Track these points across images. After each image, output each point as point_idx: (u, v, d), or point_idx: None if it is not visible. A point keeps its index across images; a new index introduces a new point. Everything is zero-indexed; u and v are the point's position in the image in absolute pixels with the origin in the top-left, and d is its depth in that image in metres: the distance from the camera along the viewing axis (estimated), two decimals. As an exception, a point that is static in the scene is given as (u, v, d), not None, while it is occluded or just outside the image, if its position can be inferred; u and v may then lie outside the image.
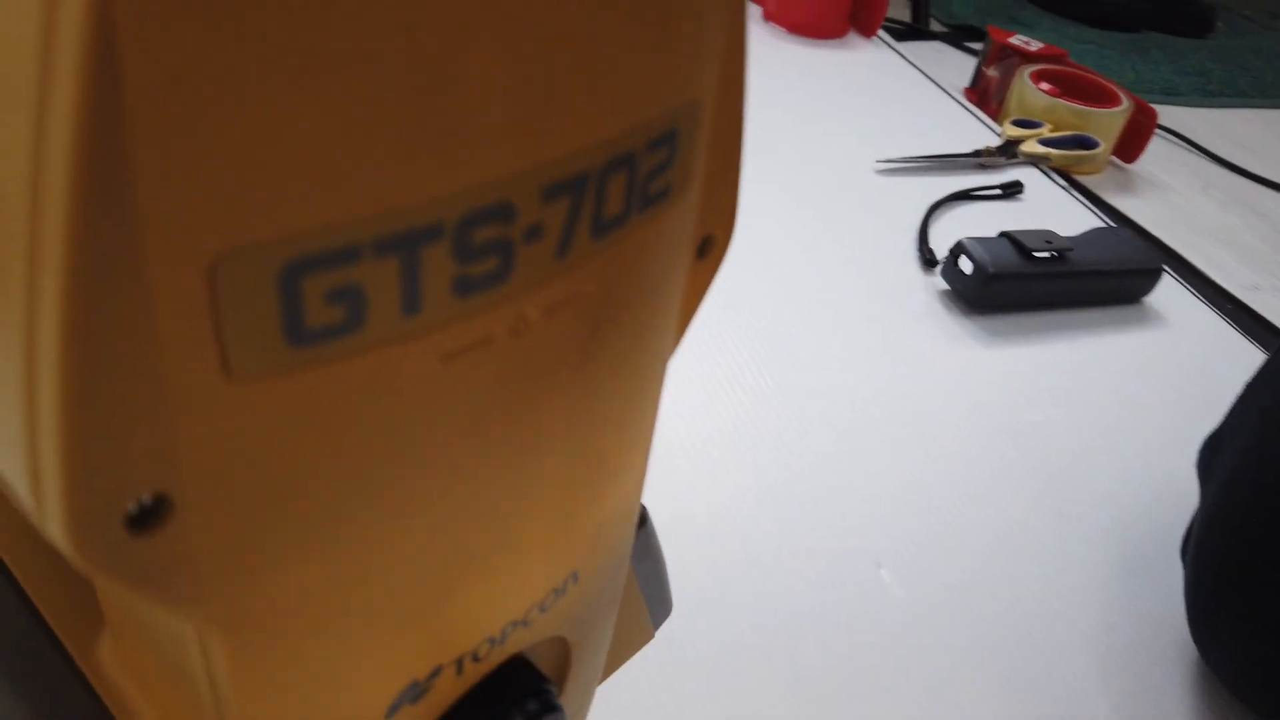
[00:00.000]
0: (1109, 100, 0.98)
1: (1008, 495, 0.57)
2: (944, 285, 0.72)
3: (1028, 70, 1.01)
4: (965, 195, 0.84)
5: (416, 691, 0.21)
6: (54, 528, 0.13)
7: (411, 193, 0.14)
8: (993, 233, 0.72)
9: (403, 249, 0.14)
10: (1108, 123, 0.96)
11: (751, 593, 0.49)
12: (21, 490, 0.14)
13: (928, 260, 0.74)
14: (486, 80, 0.14)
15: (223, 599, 0.16)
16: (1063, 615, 0.51)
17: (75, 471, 0.13)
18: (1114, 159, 1.02)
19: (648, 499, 0.52)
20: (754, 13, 1.14)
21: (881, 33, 1.17)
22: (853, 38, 1.15)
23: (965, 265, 0.69)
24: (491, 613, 0.22)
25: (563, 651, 0.27)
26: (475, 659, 0.22)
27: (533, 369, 0.18)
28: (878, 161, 0.88)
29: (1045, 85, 0.99)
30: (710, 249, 0.23)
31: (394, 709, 0.21)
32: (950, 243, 0.71)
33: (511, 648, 0.24)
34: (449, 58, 0.13)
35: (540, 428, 0.19)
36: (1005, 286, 0.69)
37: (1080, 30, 1.40)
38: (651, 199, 0.18)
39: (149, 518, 0.14)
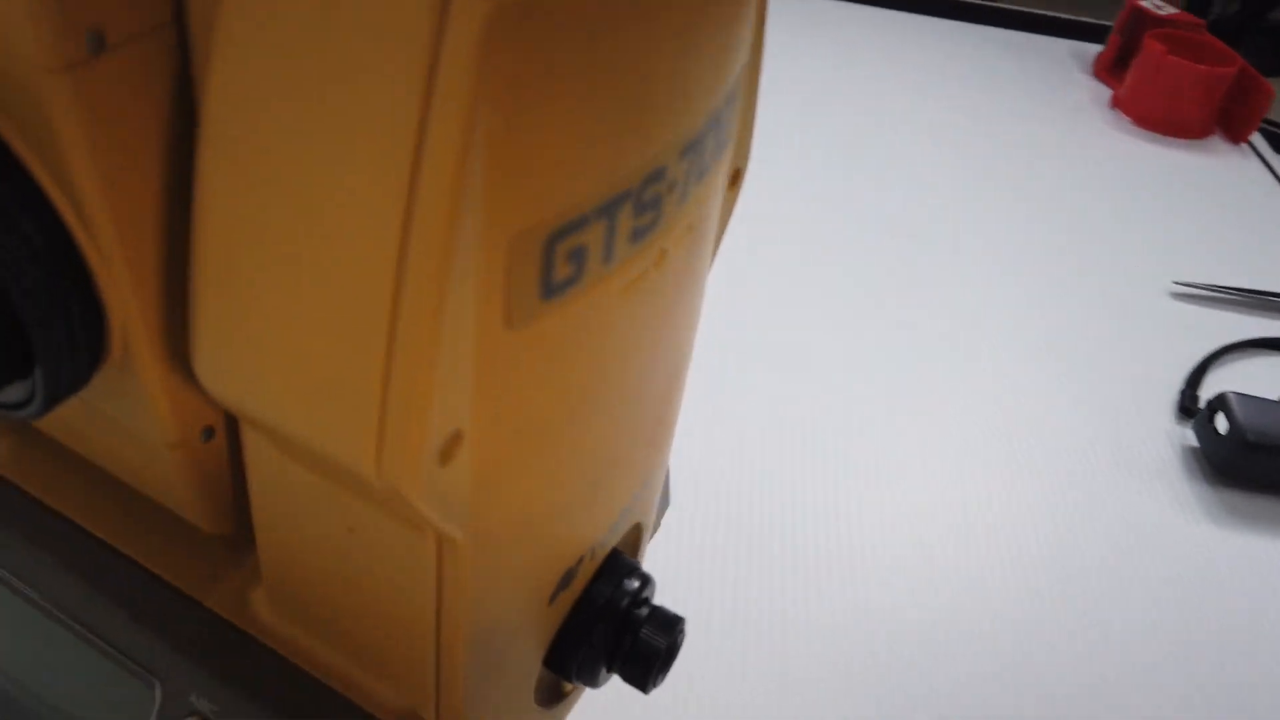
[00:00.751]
0: None
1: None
2: (1195, 442, 0.59)
3: None
4: (1275, 344, 0.68)
5: (569, 578, 0.25)
6: (395, 473, 0.17)
7: (621, 171, 0.18)
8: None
9: (609, 213, 0.18)
10: None
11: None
12: (357, 455, 0.17)
13: (1185, 408, 0.61)
14: (668, 86, 0.18)
15: (473, 511, 0.20)
16: None
17: (421, 425, 0.16)
18: None
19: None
20: (1099, 97, 0.98)
21: (1259, 139, 0.95)
22: (1215, 142, 0.93)
23: (1221, 424, 0.56)
24: (616, 505, 0.26)
25: (635, 537, 0.31)
26: (602, 545, 0.27)
27: (664, 290, 0.22)
28: (1175, 283, 0.72)
29: None
30: (736, 179, 0.27)
31: (554, 595, 0.25)
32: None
33: (617, 537, 0.28)
34: (652, 81, 0.17)
35: (661, 338, 0.23)
36: (1269, 461, 0.55)
37: None
38: (720, 145, 0.23)
39: (450, 450, 0.18)
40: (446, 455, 0.18)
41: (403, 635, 0.24)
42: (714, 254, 0.28)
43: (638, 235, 0.19)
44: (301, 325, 0.17)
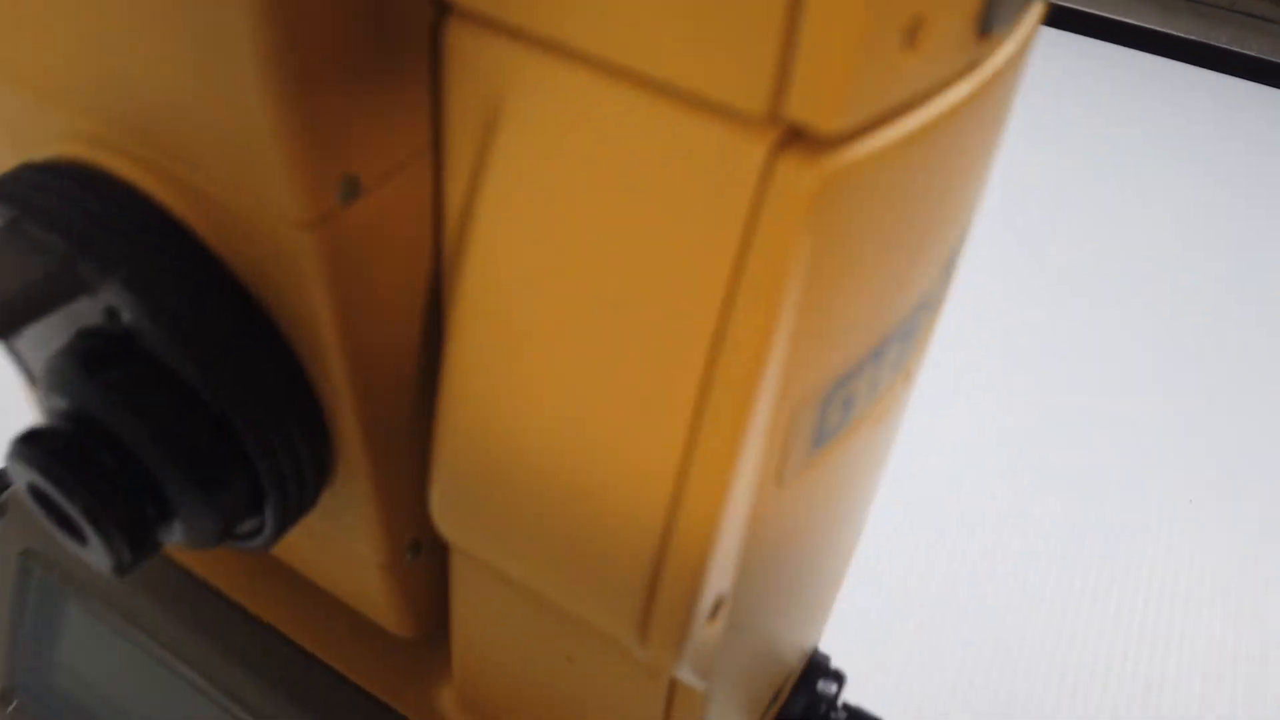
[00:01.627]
0: None
1: None
2: None
3: None
4: None
5: (777, 695, 0.24)
6: (660, 647, 0.16)
7: (903, 312, 0.16)
8: None
9: (881, 352, 0.16)
10: None
11: None
12: (619, 626, 0.16)
13: None
14: (948, 225, 0.16)
15: (718, 658, 0.18)
16: None
17: (696, 604, 0.15)
18: None
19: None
20: None
21: None
22: None
23: None
24: (824, 618, 0.25)
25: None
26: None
27: (883, 427, 0.20)
28: None
29: None
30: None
31: (764, 714, 0.24)
32: None
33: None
34: (938, 227, 0.15)
35: (868, 472, 0.22)
36: None
37: None
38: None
39: (712, 617, 0.16)
40: (709, 622, 0.16)
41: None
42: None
43: (898, 363, 0.18)
44: (559, 494, 0.15)
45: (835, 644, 0.26)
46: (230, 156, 0.15)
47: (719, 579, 0.16)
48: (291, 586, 0.27)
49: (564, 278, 0.14)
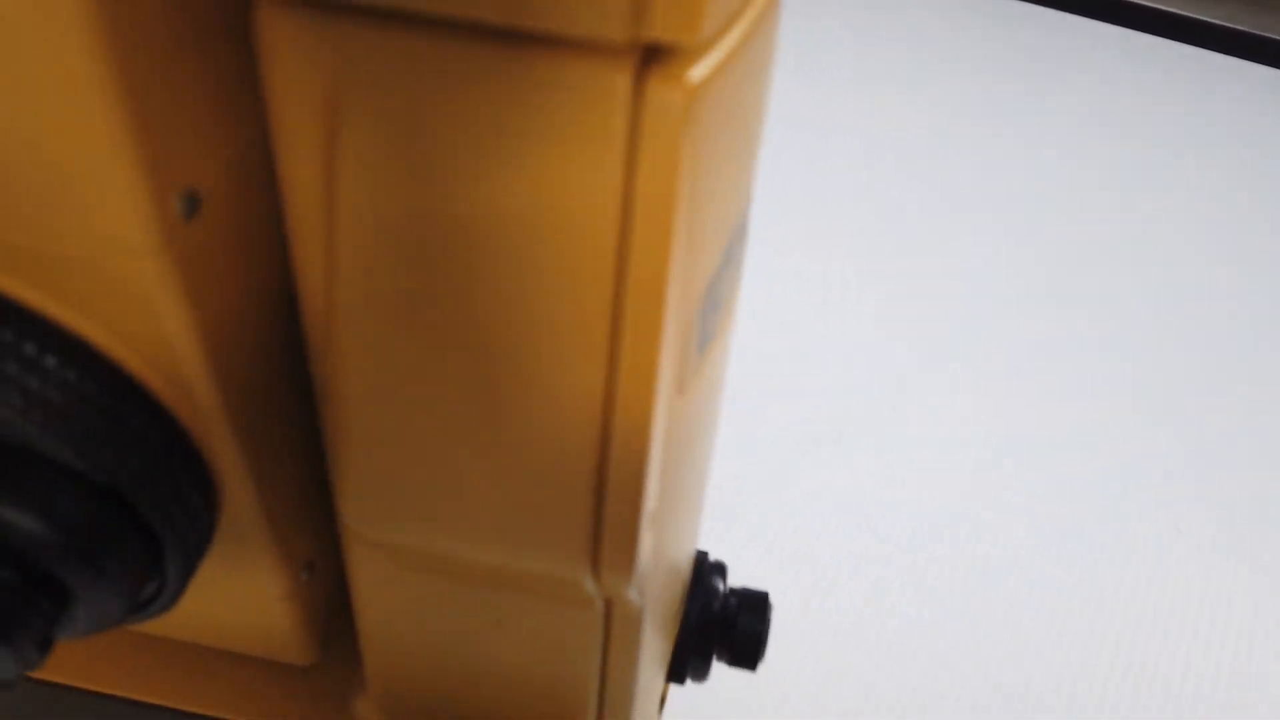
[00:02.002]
0: None
1: None
2: None
3: None
4: None
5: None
6: (613, 579, 0.17)
7: (740, 216, 0.17)
8: None
9: (728, 256, 0.18)
10: None
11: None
12: (570, 569, 0.17)
13: None
14: (752, 167, 0.17)
15: (645, 580, 0.19)
16: None
17: (641, 524, 0.16)
18: None
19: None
20: None
21: None
22: None
23: None
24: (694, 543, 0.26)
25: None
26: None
27: (728, 330, 0.22)
28: None
29: None
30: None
31: (679, 614, 0.25)
32: None
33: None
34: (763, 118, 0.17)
35: (724, 374, 0.23)
36: None
37: None
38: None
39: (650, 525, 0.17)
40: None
41: (558, 703, 0.23)
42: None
43: (737, 261, 0.19)
44: (487, 452, 0.16)
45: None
46: (48, 194, 0.13)
47: (654, 491, 0.16)
48: (157, 657, 0.26)
49: (452, 247, 0.14)
